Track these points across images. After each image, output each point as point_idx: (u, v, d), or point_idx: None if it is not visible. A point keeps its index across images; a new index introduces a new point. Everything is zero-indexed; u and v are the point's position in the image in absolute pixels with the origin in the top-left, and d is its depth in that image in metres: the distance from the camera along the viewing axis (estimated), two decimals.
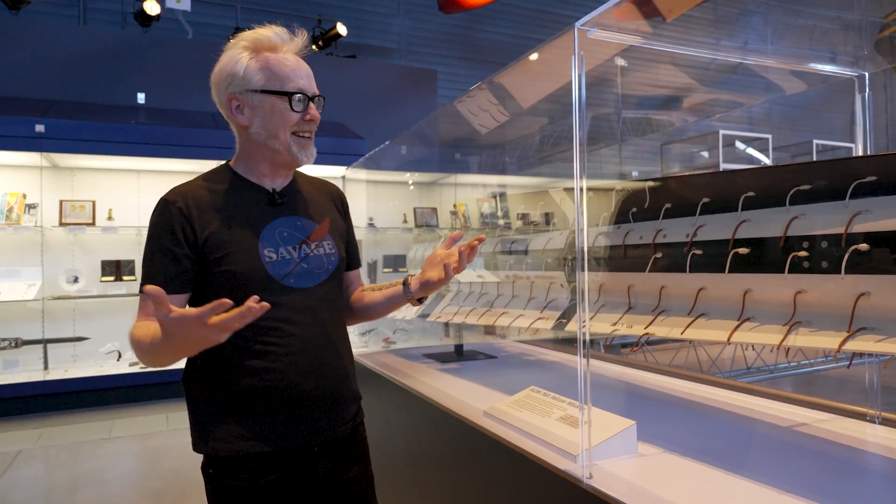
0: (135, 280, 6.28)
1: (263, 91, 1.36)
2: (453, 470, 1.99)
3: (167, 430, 5.02)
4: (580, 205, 1.44)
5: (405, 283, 1.57)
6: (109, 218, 6.24)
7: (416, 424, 2.31)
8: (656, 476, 1.40)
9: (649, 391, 2.22)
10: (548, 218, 3.20)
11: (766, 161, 9.88)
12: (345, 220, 1.65)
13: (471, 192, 7.12)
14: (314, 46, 8.41)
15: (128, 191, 6.46)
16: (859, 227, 1.14)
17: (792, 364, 4.39)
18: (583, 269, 1.44)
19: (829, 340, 1.17)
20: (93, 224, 6.10)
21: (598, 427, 1.55)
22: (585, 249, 1.39)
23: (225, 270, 1.33)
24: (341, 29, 8.14)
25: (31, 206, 5.93)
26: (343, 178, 7.43)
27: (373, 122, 7.82)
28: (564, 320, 2.01)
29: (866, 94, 1.72)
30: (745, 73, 2.07)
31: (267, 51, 1.39)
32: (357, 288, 1.70)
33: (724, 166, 9.17)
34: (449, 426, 2.02)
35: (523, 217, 3.94)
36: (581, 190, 1.44)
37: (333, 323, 1.48)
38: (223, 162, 1.51)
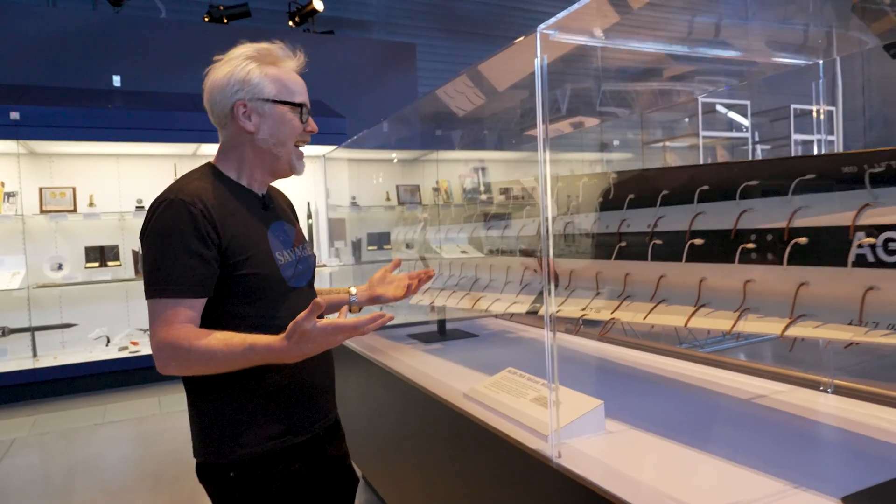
0: (119, 265, 6.30)
1: (275, 101, 1.44)
2: (435, 450, 2.10)
3: (160, 413, 5.11)
4: (545, 197, 1.52)
5: (351, 294, 1.80)
6: (91, 204, 6.21)
7: (400, 406, 2.41)
8: (622, 453, 1.50)
9: (619, 366, 2.32)
10: (529, 192, 3.27)
11: (746, 124, 9.94)
12: None
13: (453, 168, 7.15)
14: (290, 23, 8.31)
15: (108, 176, 6.43)
16: (800, 222, 1.22)
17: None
18: (548, 257, 1.52)
19: (774, 326, 1.27)
20: (74, 211, 6.08)
21: (568, 407, 1.65)
22: (551, 244, 1.47)
23: (247, 273, 1.36)
24: (318, 4, 8.04)
25: (10, 195, 5.89)
26: (324, 157, 7.45)
27: (352, 99, 7.78)
28: (539, 304, 2.10)
29: (820, 81, 1.79)
30: (713, 62, 2.14)
31: (271, 64, 1.46)
32: None
33: (703, 133, 9.24)
34: (431, 408, 2.11)
35: (505, 192, 4.01)
36: (546, 183, 1.51)
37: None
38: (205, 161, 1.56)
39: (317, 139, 6.83)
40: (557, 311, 1.86)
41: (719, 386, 1.99)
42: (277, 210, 1.57)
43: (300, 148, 1.52)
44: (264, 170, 1.50)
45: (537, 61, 1.43)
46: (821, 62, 1.79)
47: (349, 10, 9.62)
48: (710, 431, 1.63)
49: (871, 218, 1.10)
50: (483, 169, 7.27)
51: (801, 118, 10.59)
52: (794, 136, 9.46)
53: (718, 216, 1.41)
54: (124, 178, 6.48)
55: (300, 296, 1.48)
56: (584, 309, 1.79)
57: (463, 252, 3.12)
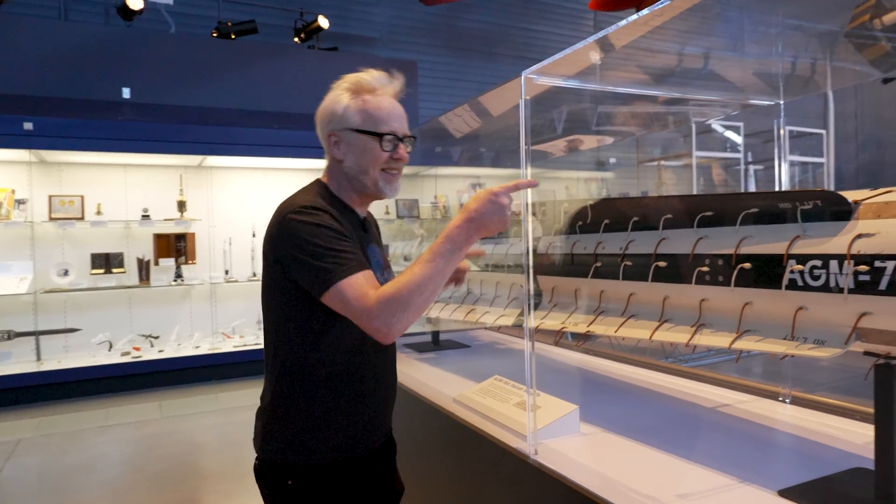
0: (124, 272, 6.47)
1: (359, 131, 1.48)
2: (427, 450, 2.26)
3: (161, 417, 5.25)
4: (527, 223, 1.71)
5: None
6: (98, 213, 6.40)
7: (396, 411, 2.57)
8: (593, 452, 1.67)
9: (596, 375, 2.50)
10: (534, 208, 3.46)
11: (739, 142, 10.12)
12: None
13: (451, 184, 7.34)
14: (296, 39, 8.54)
15: (115, 185, 6.62)
16: (745, 249, 1.40)
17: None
18: (530, 276, 1.71)
19: (723, 340, 1.44)
20: (82, 218, 6.26)
21: (547, 411, 1.82)
22: (531, 263, 1.65)
23: None
24: (323, 22, 8.26)
25: (20, 202, 6.07)
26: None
27: None
28: (522, 318, 2.27)
29: (781, 119, 1.98)
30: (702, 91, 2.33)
31: (366, 93, 1.50)
32: None
33: (697, 153, 9.44)
34: (424, 412, 2.28)
35: None
36: (529, 210, 1.70)
37: None
38: (315, 178, 1.60)
39: (318, 153, 7.03)
40: (539, 325, 2.04)
41: (688, 395, 2.17)
42: (373, 233, 1.63)
43: (391, 173, 1.52)
44: (356, 193, 1.54)
45: (521, 101, 1.62)
46: (782, 103, 1.98)
47: (353, 26, 9.86)
48: (674, 435, 1.80)
49: (800, 248, 1.28)
50: (480, 185, 7.46)
51: (796, 139, 10.80)
52: (789, 158, 9.65)
53: (679, 242, 1.59)
54: (131, 188, 6.67)
55: None
56: (563, 322, 1.97)
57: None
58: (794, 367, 2.07)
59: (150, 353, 6.31)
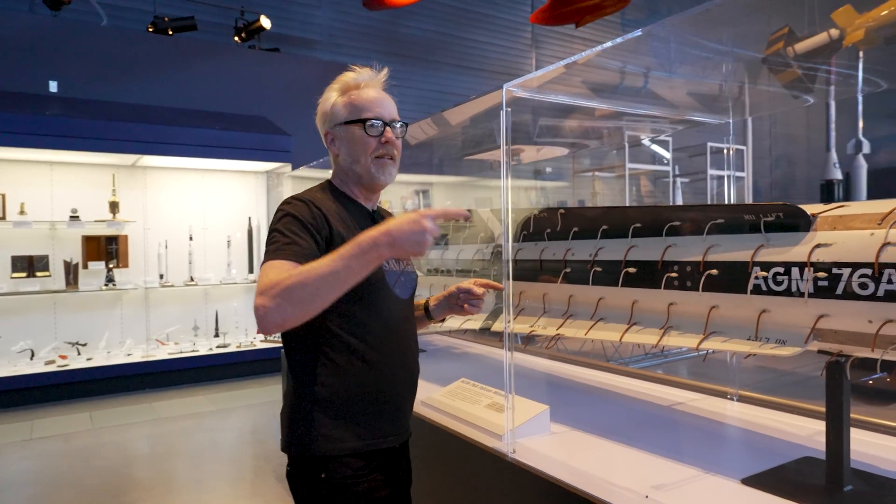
0: (49, 276, 6.12)
1: (346, 123, 1.52)
2: None
3: (93, 428, 5.00)
4: (507, 228, 1.77)
5: (426, 306, 1.78)
6: (21, 212, 6.02)
7: None
8: (566, 449, 1.75)
9: (561, 379, 2.59)
10: (469, 218, 3.53)
11: (668, 156, 10.62)
12: None
13: (396, 190, 7.36)
14: (236, 38, 8.35)
15: (41, 184, 6.25)
16: (712, 257, 1.52)
17: (683, 349, 5.03)
18: (509, 278, 1.77)
19: (691, 341, 1.55)
20: (3, 218, 5.88)
21: (519, 411, 1.89)
22: (510, 263, 1.71)
23: None
24: (265, 22, 8.12)
25: None
26: (267, 174, 7.49)
27: (297, 117, 7.88)
28: (490, 321, 2.33)
29: (730, 137, 2.14)
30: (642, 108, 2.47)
31: (352, 90, 1.55)
32: None
33: (629, 166, 9.85)
34: None
35: None
36: (507, 214, 1.77)
37: (416, 332, 1.65)
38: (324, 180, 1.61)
39: (260, 156, 6.92)
40: (510, 329, 2.11)
41: (646, 395, 2.29)
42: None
43: (384, 158, 1.53)
44: (357, 185, 1.56)
45: (502, 113, 1.69)
46: (731, 122, 2.14)
47: (294, 27, 9.72)
48: (638, 431, 1.90)
49: (764, 256, 1.40)
50: (425, 192, 7.52)
51: (716, 154, 11.45)
52: (710, 172, 10.20)
53: (648, 249, 1.70)
54: (58, 187, 6.32)
55: (401, 306, 1.53)
56: (532, 325, 2.05)
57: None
58: (741, 371, 2.24)
59: (77, 362, 5.98)
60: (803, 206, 1.38)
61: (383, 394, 1.47)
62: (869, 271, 1.21)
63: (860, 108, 8.74)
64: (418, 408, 2.19)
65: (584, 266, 1.90)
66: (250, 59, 7.98)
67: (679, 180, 10.92)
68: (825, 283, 1.28)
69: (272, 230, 1.41)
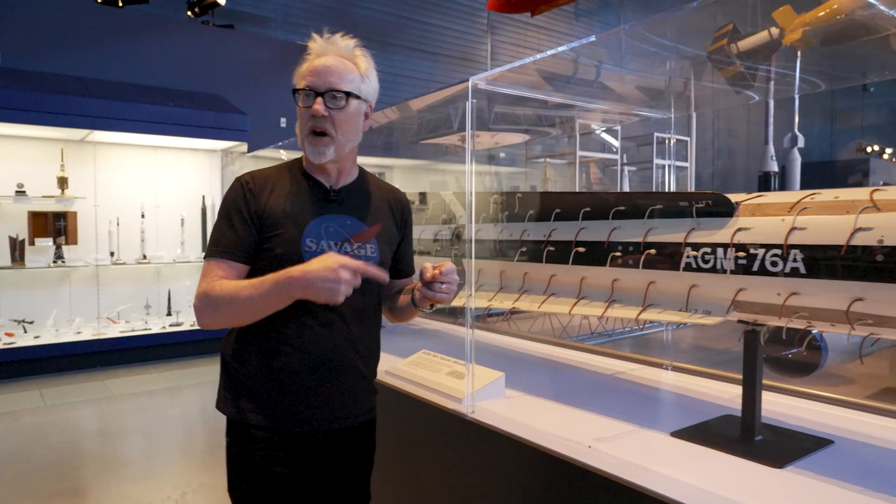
0: None
1: (293, 94, 1.46)
2: None
3: (44, 406, 4.95)
4: (471, 211, 1.93)
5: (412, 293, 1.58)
6: None
7: None
8: (520, 411, 1.94)
9: (514, 352, 2.79)
10: (423, 198, 3.68)
11: (616, 144, 10.97)
12: (401, 230, 1.65)
13: None
14: (189, 13, 8.18)
15: None
16: (651, 238, 1.72)
17: (626, 329, 5.34)
18: (471, 257, 1.94)
19: (631, 312, 1.76)
20: None
21: (478, 378, 2.06)
22: (473, 243, 1.87)
23: (267, 249, 1.42)
24: None
25: None
26: (222, 152, 7.42)
27: (253, 97, 7.81)
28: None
29: (671, 130, 2.35)
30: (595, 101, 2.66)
31: (309, 59, 1.47)
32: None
33: (580, 154, 10.16)
34: None
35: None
36: (472, 197, 1.93)
37: (358, 322, 1.51)
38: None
39: (214, 134, 6.88)
40: (468, 304, 2.27)
41: (592, 366, 2.51)
42: (347, 204, 1.52)
43: (315, 133, 1.44)
44: (310, 160, 1.49)
45: (468, 104, 1.84)
46: (672, 116, 2.35)
47: (248, 3, 9.56)
48: (584, 395, 2.11)
49: (694, 238, 1.61)
50: (381, 175, 7.61)
51: (662, 145, 11.88)
52: (656, 161, 10.61)
53: (596, 231, 1.89)
54: (3, 161, 6.12)
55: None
56: (490, 300, 2.22)
57: None
58: (681, 351, 2.48)
59: (25, 340, 5.86)
60: (729, 195, 1.59)
61: (284, 380, 1.43)
62: (779, 251, 1.42)
63: (797, 105, 9.26)
64: (382, 377, 2.34)
65: (538, 246, 2.09)
66: (204, 36, 7.85)
67: (627, 168, 11.31)
68: (744, 262, 1.49)
69: (218, 214, 1.47)
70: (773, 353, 3.77)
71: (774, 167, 8.95)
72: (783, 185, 9.08)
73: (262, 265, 1.42)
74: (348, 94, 1.44)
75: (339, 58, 1.46)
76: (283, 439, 1.45)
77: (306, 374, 1.44)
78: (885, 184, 1.27)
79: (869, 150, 16.20)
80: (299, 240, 1.43)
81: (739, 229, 1.52)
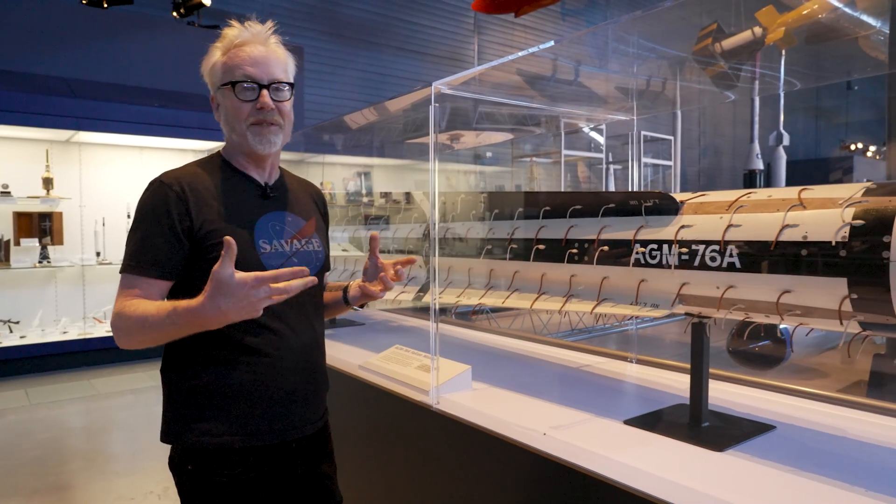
0: None
1: (222, 86, 1.38)
2: (338, 412, 2.51)
3: (29, 404, 4.99)
4: (434, 210, 2.01)
5: (345, 290, 1.63)
6: None
7: None
8: (484, 402, 2.02)
9: (486, 347, 2.87)
10: (408, 197, 3.76)
11: (602, 142, 11.08)
12: (324, 220, 1.65)
13: (339, 172, 7.47)
14: (175, 13, 8.21)
15: None
16: (605, 236, 1.80)
17: (606, 326, 5.47)
18: (435, 255, 2.02)
19: (588, 306, 1.84)
20: None
21: (444, 371, 2.14)
22: (437, 241, 1.95)
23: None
24: None
25: None
26: (208, 152, 7.44)
27: None
28: (422, 293, 2.58)
29: (633, 132, 2.44)
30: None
31: (232, 49, 1.38)
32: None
33: (565, 153, 10.25)
34: (331, 378, 2.52)
35: (385, 196, 4.47)
36: (435, 197, 2.01)
37: (318, 319, 1.52)
38: (215, 150, 1.51)
39: (201, 134, 6.95)
40: (439, 298, 2.35)
41: (558, 359, 2.59)
42: (284, 200, 1.48)
43: (263, 125, 1.38)
44: (243, 155, 1.43)
45: (431, 108, 1.92)
46: (635, 119, 2.44)
47: (233, 3, 9.58)
48: (548, 387, 2.20)
49: (643, 235, 1.69)
50: (366, 174, 7.67)
51: (648, 143, 11.99)
52: (644, 160, 10.71)
53: (555, 229, 1.97)
54: None
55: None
56: (458, 296, 2.30)
57: (344, 250, 3.56)
58: (652, 346, 2.57)
59: (10, 340, 5.90)
60: (675, 195, 1.67)
61: (257, 389, 1.36)
62: (717, 247, 1.51)
63: (781, 103, 9.39)
64: (356, 371, 2.42)
65: (502, 244, 2.17)
66: (190, 36, 7.87)
67: (612, 167, 11.42)
68: (686, 258, 1.58)
69: (130, 227, 1.34)
70: (739, 346, 3.89)
71: (760, 165, 9.08)
72: (768, 183, 9.21)
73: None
74: (291, 85, 1.43)
75: (268, 47, 1.42)
76: (258, 457, 1.37)
77: (280, 380, 1.39)
78: (868, 180, 1.36)
79: (853, 147, 16.42)
80: (253, 242, 1.36)
81: (683, 226, 1.60)
